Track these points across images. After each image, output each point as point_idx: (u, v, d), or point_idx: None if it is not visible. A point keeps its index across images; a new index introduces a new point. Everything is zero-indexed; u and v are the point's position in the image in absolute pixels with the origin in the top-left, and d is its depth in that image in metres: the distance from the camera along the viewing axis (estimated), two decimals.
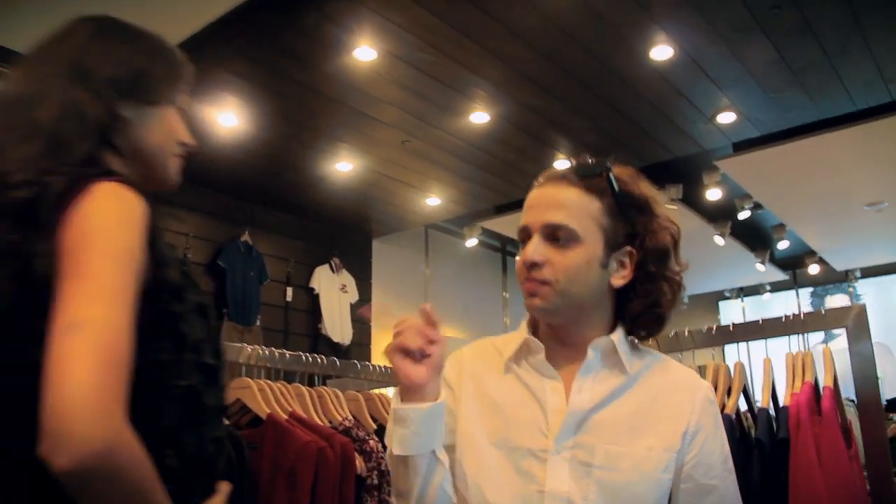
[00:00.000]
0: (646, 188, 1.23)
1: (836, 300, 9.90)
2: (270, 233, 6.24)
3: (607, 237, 1.18)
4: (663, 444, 1.15)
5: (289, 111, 4.54)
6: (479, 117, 4.68)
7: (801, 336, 1.70)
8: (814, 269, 9.04)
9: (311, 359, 2.58)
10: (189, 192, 5.60)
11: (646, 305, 1.21)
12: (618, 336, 1.20)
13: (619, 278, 1.20)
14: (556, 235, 1.15)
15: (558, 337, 1.22)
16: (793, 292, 10.11)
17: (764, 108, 4.62)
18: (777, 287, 10.04)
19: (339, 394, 2.48)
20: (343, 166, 5.40)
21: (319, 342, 6.57)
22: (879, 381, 1.81)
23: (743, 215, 6.69)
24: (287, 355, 2.54)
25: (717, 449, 1.19)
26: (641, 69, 4.13)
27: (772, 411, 1.65)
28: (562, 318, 1.19)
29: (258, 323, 5.94)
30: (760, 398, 1.66)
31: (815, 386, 1.55)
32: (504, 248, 8.62)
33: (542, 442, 1.15)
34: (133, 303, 0.89)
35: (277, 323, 6.26)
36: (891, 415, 6.83)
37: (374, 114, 4.59)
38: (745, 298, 10.43)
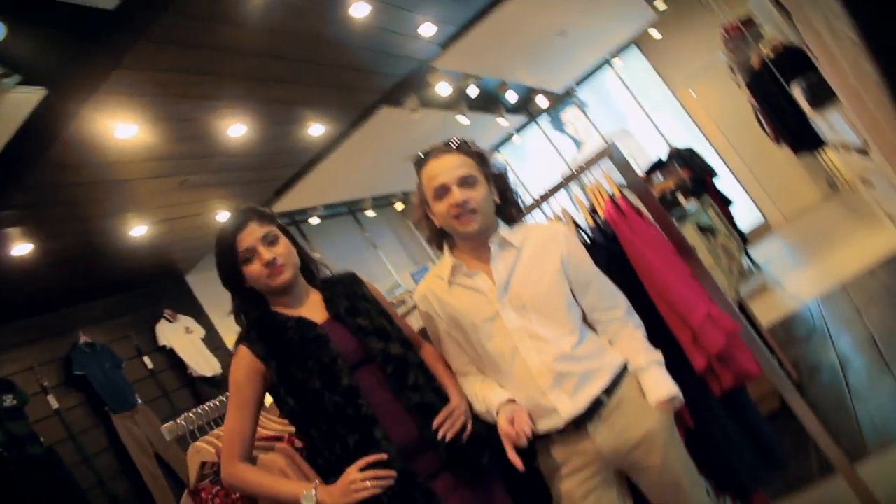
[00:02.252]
0: (478, 147, 2.00)
1: (569, 113, 11.40)
2: (102, 322, 6.35)
3: (486, 177, 1.95)
4: (554, 270, 1.95)
5: (76, 212, 4.75)
6: (237, 130, 5.11)
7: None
8: (541, 100, 10.36)
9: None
10: (11, 330, 5.62)
11: (510, 207, 2.05)
12: (503, 230, 1.99)
13: (497, 198, 1.99)
14: (468, 182, 1.89)
15: (472, 245, 1.97)
16: (534, 125, 11.49)
17: (450, 9, 5.45)
18: (521, 128, 11.37)
19: None
20: (137, 231, 5.62)
21: (197, 385, 6.87)
22: (630, 158, 2.65)
23: (472, 91, 7.68)
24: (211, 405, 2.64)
25: (583, 258, 2.02)
26: (350, 28, 4.75)
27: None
28: (483, 229, 1.94)
29: (139, 401, 6.15)
30: (586, 222, 2.46)
31: (613, 200, 2.36)
32: (294, 220, 9.06)
33: (492, 308, 1.93)
34: (242, 409, 1.90)
35: (154, 392, 6.48)
36: (651, 177, 8.29)
37: (148, 174, 4.89)
38: (502, 150, 11.68)
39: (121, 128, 4.13)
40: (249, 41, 4.20)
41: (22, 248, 4.64)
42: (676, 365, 1.95)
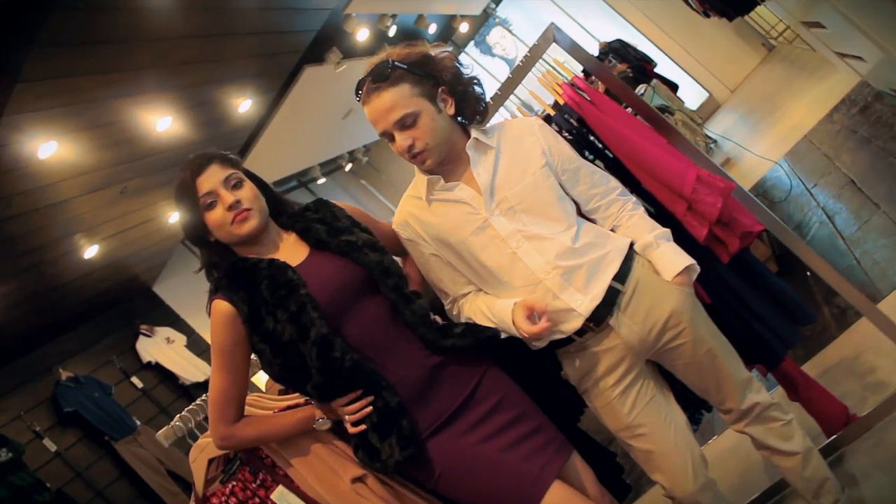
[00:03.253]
0: (417, 48, 1.78)
1: (494, 35, 11.19)
2: (79, 353, 6.16)
3: (426, 96, 1.72)
4: (536, 165, 1.79)
5: (18, 248, 4.51)
6: (163, 123, 4.85)
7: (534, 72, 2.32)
8: (463, 27, 10.10)
9: None
10: None
11: (474, 106, 1.82)
12: (475, 133, 1.80)
13: (450, 108, 1.77)
14: (405, 123, 1.69)
15: (445, 161, 1.79)
16: (463, 55, 11.25)
17: None
18: None
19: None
20: (90, 252, 5.39)
21: (192, 392, 6.73)
22: (566, 63, 2.50)
23: (392, 31, 7.41)
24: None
25: (565, 148, 1.87)
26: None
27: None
28: (441, 158, 1.76)
29: (138, 423, 6.00)
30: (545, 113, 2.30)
31: (570, 85, 2.21)
32: None
33: (479, 218, 1.77)
34: (231, 370, 1.70)
35: (150, 410, 6.34)
36: (592, 78, 8.15)
37: (83, 191, 4.64)
38: None
39: (41, 148, 3.88)
40: (150, 26, 3.94)
41: None
42: (676, 240, 1.84)
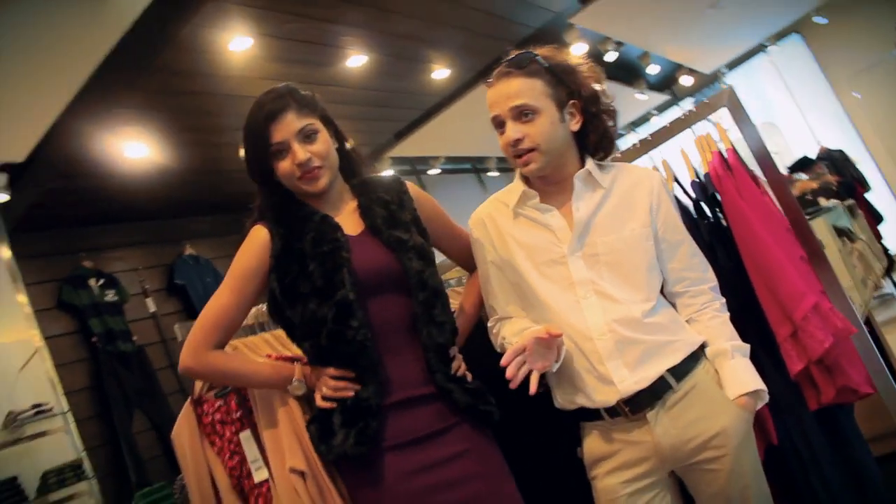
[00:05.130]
0: (564, 55, 1.72)
1: None
2: (209, 237, 6.48)
3: (556, 101, 1.66)
4: (640, 223, 1.67)
5: (188, 122, 4.77)
6: (356, 61, 4.99)
7: (692, 130, 2.15)
8: (686, 80, 9.73)
9: None
10: (122, 231, 5.81)
11: (599, 135, 1.73)
12: (590, 164, 1.70)
13: (575, 125, 1.69)
14: (525, 114, 1.61)
15: (547, 181, 1.71)
16: (676, 107, 10.84)
17: None
18: (662, 108, 10.75)
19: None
20: None
21: None
22: (774, 155, 2.27)
23: (610, 57, 7.22)
24: None
25: (674, 214, 1.74)
26: None
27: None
28: (549, 169, 1.68)
29: None
30: (687, 177, 2.13)
31: (721, 154, 2.03)
32: (415, 168, 8.95)
33: (558, 251, 1.66)
34: (240, 294, 1.68)
35: None
36: (792, 176, 7.62)
37: (258, 93, 4.83)
38: (638, 129, 11.12)
39: (235, 40, 4.07)
40: None
41: (136, 151, 4.72)
42: (767, 363, 1.63)
